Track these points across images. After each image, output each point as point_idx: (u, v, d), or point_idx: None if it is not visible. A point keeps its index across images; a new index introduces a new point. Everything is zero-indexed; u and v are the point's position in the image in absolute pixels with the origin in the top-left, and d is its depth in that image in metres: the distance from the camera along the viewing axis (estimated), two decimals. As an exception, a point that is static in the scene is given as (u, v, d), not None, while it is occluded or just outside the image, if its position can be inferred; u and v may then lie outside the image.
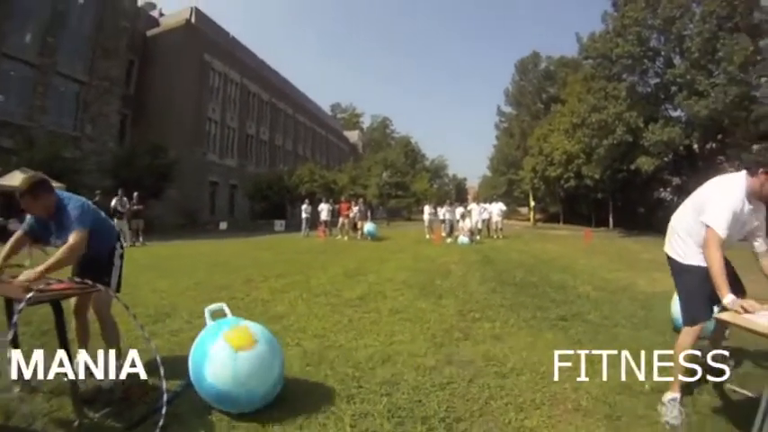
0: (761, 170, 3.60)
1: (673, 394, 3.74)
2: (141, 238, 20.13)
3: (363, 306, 7.71)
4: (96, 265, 4.15)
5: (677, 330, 4.87)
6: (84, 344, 4.40)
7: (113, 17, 34.98)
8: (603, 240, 29.00)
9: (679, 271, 4.09)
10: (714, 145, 36.29)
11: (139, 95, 41.65)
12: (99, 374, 3.71)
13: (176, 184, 33.46)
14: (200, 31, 45.33)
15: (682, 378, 3.76)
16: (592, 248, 21.36)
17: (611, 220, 46.91)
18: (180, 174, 33.83)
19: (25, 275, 3.57)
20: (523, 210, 74.80)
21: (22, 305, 3.02)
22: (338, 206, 27.92)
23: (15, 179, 18.66)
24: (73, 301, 4.22)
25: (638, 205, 47.00)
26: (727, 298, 3.37)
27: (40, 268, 3.61)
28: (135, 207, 20.12)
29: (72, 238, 3.79)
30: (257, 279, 10.43)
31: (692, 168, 38.77)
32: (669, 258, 4.22)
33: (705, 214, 3.74)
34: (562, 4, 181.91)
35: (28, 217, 4.10)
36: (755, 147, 33.16)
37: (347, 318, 6.87)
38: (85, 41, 33.19)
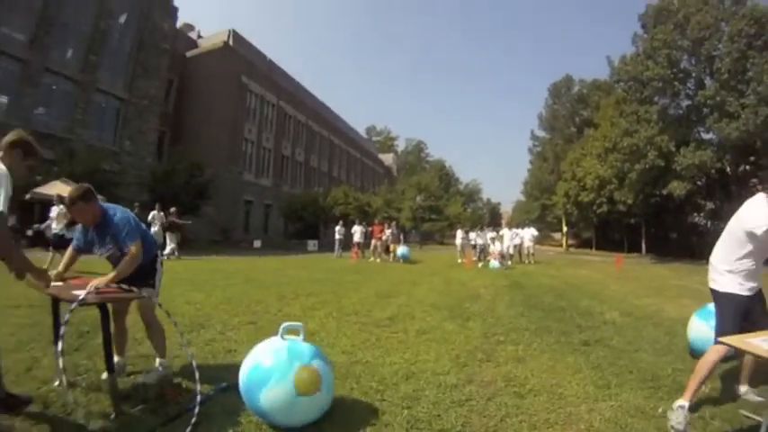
0: None
1: (683, 402, 3.92)
2: (176, 252, 20.48)
3: (392, 326, 7.86)
4: (141, 272, 4.42)
5: (693, 356, 5.02)
6: (121, 347, 4.74)
7: (153, 37, 36.10)
8: (635, 266, 28.76)
9: (717, 297, 4.36)
10: (747, 167, 35.82)
11: (178, 114, 42.62)
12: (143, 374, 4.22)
13: (212, 202, 34.02)
14: (238, 53, 46.25)
15: (696, 389, 3.97)
16: (623, 274, 21.26)
17: (643, 245, 46.31)
18: (216, 192, 34.41)
19: (95, 282, 3.93)
20: (556, 235, 74.30)
21: (74, 305, 3.36)
22: (371, 228, 28.07)
23: (55, 188, 19.30)
24: (111, 307, 4.49)
25: (671, 230, 46.45)
26: None
27: (109, 276, 4.04)
28: (178, 221, 20.68)
29: (132, 249, 4.20)
30: (289, 296, 10.63)
31: (724, 192, 38.35)
32: (711, 290, 4.44)
33: (748, 224, 4.00)
34: (595, 27, 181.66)
35: (76, 233, 4.52)
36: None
37: (375, 336, 7.05)
38: (126, 60, 34.34)
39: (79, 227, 4.46)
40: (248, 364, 3.80)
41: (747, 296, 4.19)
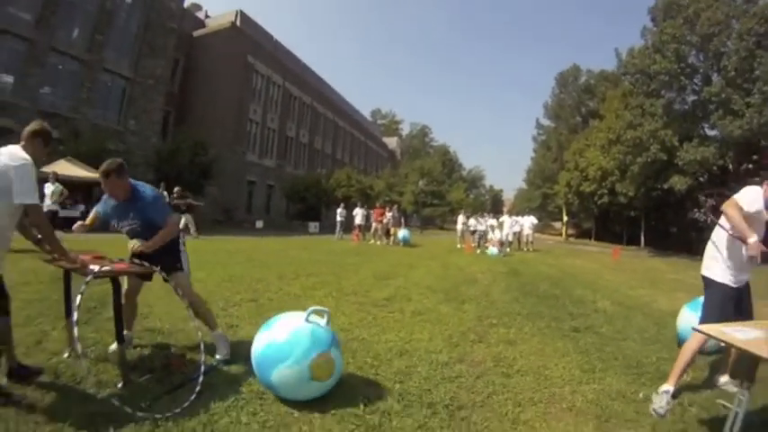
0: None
1: (667, 386, 4.10)
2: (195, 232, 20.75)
3: (389, 306, 8.08)
4: (167, 252, 4.62)
5: (680, 346, 5.24)
6: (130, 322, 4.93)
7: (160, 17, 35.99)
8: (633, 259, 28.94)
9: (707, 285, 4.61)
10: (750, 166, 35.83)
11: (183, 94, 42.65)
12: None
13: (215, 182, 34.14)
14: (245, 33, 46.17)
15: (679, 374, 4.17)
16: (619, 266, 21.44)
17: (642, 238, 46.40)
18: (219, 171, 34.55)
19: (140, 247, 4.33)
20: (557, 224, 74.26)
21: (89, 278, 3.57)
22: (373, 211, 28.22)
23: (60, 167, 19.49)
24: (128, 284, 4.74)
25: (671, 225, 46.40)
26: (752, 238, 4.02)
27: (150, 243, 4.39)
28: (193, 202, 20.80)
29: (170, 221, 4.63)
30: (290, 276, 10.83)
31: (726, 189, 38.38)
32: (702, 276, 4.69)
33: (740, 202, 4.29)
34: (605, 18, 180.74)
35: (100, 204, 4.73)
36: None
37: (372, 316, 7.27)
38: (132, 39, 34.28)
39: (104, 198, 4.64)
40: (266, 338, 3.93)
41: (736, 288, 4.44)
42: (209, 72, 42.69)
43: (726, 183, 36.54)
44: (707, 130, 35.09)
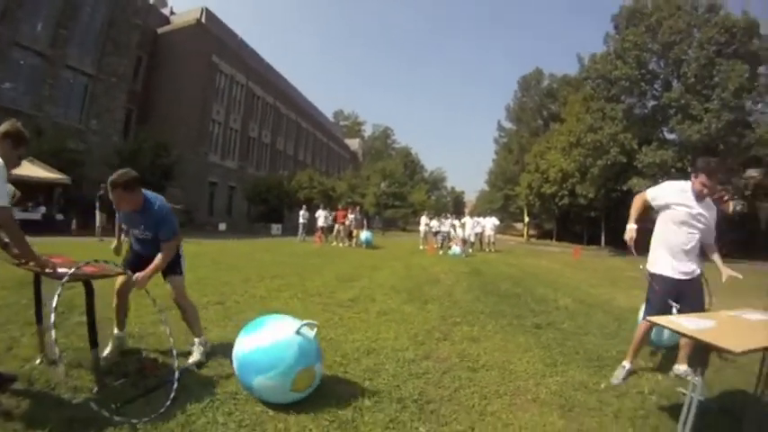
0: (695, 173, 4.69)
1: (626, 362, 5.10)
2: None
3: (354, 307, 8.17)
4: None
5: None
6: (122, 322, 4.98)
7: (124, 12, 35.34)
8: (593, 258, 29.35)
9: (648, 276, 5.04)
10: (707, 168, 36.61)
11: (146, 92, 42.11)
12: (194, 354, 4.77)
13: (177, 183, 33.74)
14: (210, 31, 45.77)
15: (634, 352, 5.13)
16: (580, 265, 21.80)
17: (603, 238, 47.09)
18: (181, 173, 34.14)
19: (140, 274, 4.39)
20: (518, 225, 75.07)
21: (65, 279, 3.54)
22: (335, 213, 28.21)
23: (22, 168, 19.08)
24: (119, 284, 4.78)
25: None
26: (629, 225, 5.13)
27: (149, 269, 4.45)
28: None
29: (171, 242, 4.65)
30: (255, 278, 10.83)
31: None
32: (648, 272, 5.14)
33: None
34: (569, 23, 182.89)
35: (119, 213, 4.88)
36: (748, 171, 33.86)
37: (338, 316, 7.36)
38: (96, 35, 33.60)
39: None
40: (252, 342, 3.89)
41: (677, 279, 4.78)
42: (172, 70, 42.18)
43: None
44: (666, 133, 35.88)
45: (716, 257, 4.90)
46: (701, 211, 4.72)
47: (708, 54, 30.36)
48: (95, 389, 3.83)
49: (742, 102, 30.15)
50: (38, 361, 4.34)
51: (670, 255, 4.83)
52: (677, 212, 4.77)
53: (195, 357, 4.78)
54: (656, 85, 35.72)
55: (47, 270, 3.76)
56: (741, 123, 30.39)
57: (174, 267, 4.85)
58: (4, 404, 3.47)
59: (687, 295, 4.75)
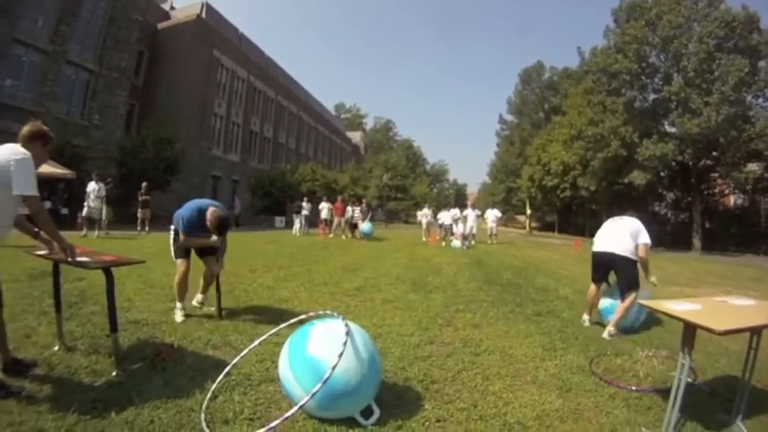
0: None
1: (610, 327, 6.50)
2: (147, 228, 20.42)
3: (360, 296, 8.39)
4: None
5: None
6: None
7: (125, 8, 35.25)
8: (594, 250, 29.42)
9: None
10: (708, 162, 36.65)
11: (148, 87, 42.11)
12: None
13: (180, 177, 33.88)
14: (210, 26, 45.74)
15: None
16: (581, 256, 21.86)
17: (602, 230, 47.15)
18: (184, 166, 34.24)
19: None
20: (521, 218, 75.11)
21: (93, 266, 3.82)
22: (334, 206, 28.24)
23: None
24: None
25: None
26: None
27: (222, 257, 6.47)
28: (143, 197, 20.59)
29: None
30: (261, 269, 11.00)
31: (685, 184, 39.41)
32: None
33: None
34: (570, 15, 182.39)
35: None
36: (749, 165, 33.96)
37: (344, 304, 7.59)
38: (97, 31, 33.52)
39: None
40: (342, 368, 3.30)
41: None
42: (174, 65, 42.20)
43: (687, 178, 37.52)
44: (666, 127, 35.84)
45: None
46: None
47: (707, 48, 30.41)
48: (114, 372, 4.02)
49: (742, 96, 30.26)
50: (56, 347, 4.54)
51: None
52: None
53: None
54: (656, 79, 35.67)
55: (78, 259, 3.95)
56: (741, 117, 30.42)
57: (215, 252, 6.31)
58: (27, 388, 3.61)
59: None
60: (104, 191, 17.97)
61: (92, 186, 17.69)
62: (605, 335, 6.34)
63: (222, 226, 5.95)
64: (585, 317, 7.36)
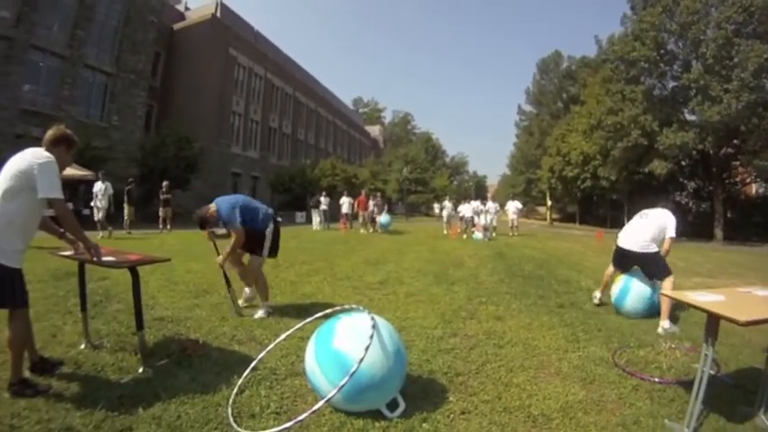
0: None
1: (664, 322, 6.26)
2: (169, 226, 20.63)
3: (382, 289, 8.47)
4: (255, 241, 6.43)
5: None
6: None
7: (140, 10, 35.63)
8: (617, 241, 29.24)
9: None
10: (729, 150, 36.25)
11: (165, 88, 42.43)
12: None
13: (200, 175, 34.10)
14: (226, 25, 45.97)
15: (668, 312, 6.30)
16: (602, 248, 21.75)
17: (625, 221, 46.74)
18: (204, 164, 34.51)
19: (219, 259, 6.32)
20: (541, 209, 74.85)
21: (118, 265, 3.90)
22: (356, 201, 28.27)
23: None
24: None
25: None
26: None
27: (225, 251, 6.30)
28: (164, 196, 20.77)
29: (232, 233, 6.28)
30: (284, 264, 11.01)
31: (706, 173, 39.03)
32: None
33: None
34: (587, 3, 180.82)
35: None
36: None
37: (368, 298, 7.67)
38: (113, 34, 33.96)
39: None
40: (367, 366, 3.28)
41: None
42: (190, 65, 42.47)
43: (709, 167, 37.09)
44: (686, 115, 35.44)
45: None
46: None
47: (726, 34, 29.90)
48: (141, 369, 4.09)
49: (762, 82, 29.63)
50: (82, 346, 4.62)
51: None
52: None
53: (259, 314, 6.20)
54: (675, 66, 35.23)
55: (103, 259, 4.03)
56: (762, 104, 29.90)
57: (256, 248, 6.47)
58: (54, 387, 3.68)
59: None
60: (111, 189, 18.03)
61: (98, 186, 17.81)
62: (660, 330, 6.20)
63: (198, 223, 6.44)
64: (597, 293, 7.74)
